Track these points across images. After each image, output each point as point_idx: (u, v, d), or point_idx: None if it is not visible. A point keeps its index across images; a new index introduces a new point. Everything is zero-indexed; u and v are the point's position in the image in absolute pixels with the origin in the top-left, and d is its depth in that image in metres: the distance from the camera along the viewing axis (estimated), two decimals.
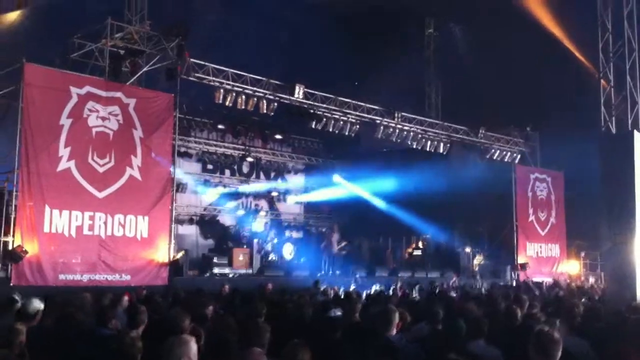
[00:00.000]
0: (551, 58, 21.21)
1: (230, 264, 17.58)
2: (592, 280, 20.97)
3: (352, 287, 14.12)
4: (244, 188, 23.92)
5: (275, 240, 20.37)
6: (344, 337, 5.70)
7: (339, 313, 7.04)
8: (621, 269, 10.78)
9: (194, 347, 4.23)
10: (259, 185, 24.42)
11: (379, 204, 23.98)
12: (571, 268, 23.46)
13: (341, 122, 19.20)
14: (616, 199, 10.96)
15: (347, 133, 19.46)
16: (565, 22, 20.90)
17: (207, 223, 22.36)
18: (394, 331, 5.67)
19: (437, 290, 13.82)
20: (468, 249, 22.48)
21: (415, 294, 13.00)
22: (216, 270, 17.08)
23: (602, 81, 13.66)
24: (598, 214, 12.01)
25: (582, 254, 23.31)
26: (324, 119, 18.78)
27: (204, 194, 22.65)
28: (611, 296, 10.12)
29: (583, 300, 10.05)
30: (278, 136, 24.50)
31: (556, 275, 21.86)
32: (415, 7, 23.47)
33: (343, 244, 19.91)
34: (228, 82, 16.63)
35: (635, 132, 11.98)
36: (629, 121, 12.86)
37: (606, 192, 11.27)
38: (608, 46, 13.49)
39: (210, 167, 23.26)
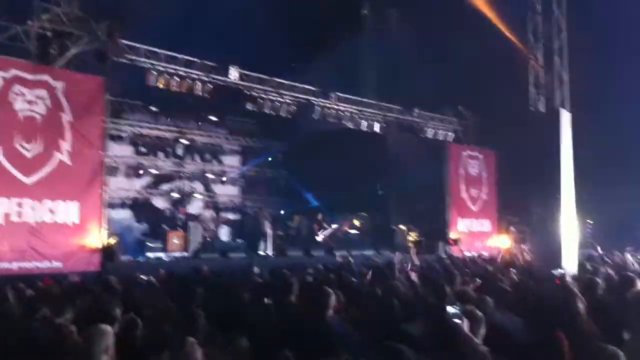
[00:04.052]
0: (483, 39, 21.54)
1: (165, 248, 17.34)
2: (521, 253, 21.57)
3: None
4: (179, 170, 23.58)
5: (212, 222, 20.19)
6: (278, 321, 5.68)
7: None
8: (547, 243, 11.13)
9: (111, 338, 4.22)
10: (194, 168, 24.10)
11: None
12: (502, 242, 24.11)
13: (277, 104, 19.12)
14: (543, 175, 11.29)
15: (283, 114, 19.39)
16: (496, 4, 21.25)
17: (141, 207, 21.94)
18: (331, 313, 5.65)
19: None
20: (403, 226, 22.82)
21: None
22: (150, 254, 16.84)
23: (531, 62, 14.01)
24: (527, 190, 12.34)
25: (512, 229, 24.00)
26: (260, 101, 18.65)
27: (136, 178, 22.21)
28: (538, 270, 10.41)
29: (513, 273, 10.35)
30: (213, 118, 24.17)
31: (487, 249, 22.43)
32: None
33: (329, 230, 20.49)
34: (160, 63, 16.32)
35: (562, 110, 12.34)
36: (557, 100, 13.23)
37: (534, 169, 11.60)
38: (537, 28, 13.82)
39: (143, 150, 22.81)
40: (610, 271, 9.48)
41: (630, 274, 6.97)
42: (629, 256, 13.04)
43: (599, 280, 7.49)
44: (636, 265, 11.86)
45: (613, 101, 19.72)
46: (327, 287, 6.05)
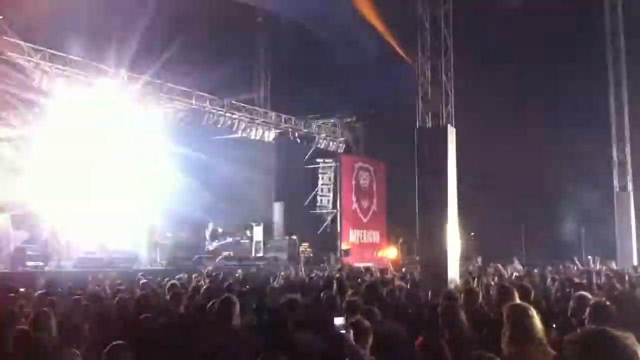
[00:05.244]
0: (376, 52, 22.13)
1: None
2: (408, 264, 22.20)
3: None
4: None
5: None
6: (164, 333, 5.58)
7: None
8: (433, 255, 11.51)
9: None
10: None
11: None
12: (390, 253, 24.72)
13: (168, 109, 18.80)
14: (430, 190, 11.70)
15: (175, 120, 19.09)
16: (389, 19, 21.90)
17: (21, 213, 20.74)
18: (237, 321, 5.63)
19: None
20: (295, 237, 22.92)
21: None
22: (30, 263, 16.03)
23: (419, 77, 14.46)
24: (415, 203, 12.71)
25: (400, 240, 24.67)
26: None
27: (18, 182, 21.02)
28: (424, 283, 10.75)
29: (400, 283, 10.63)
30: None
31: (377, 260, 22.91)
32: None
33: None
34: (45, 62, 15.67)
35: (449, 126, 12.82)
36: (444, 116, 13.69)
37: (421, 184, 11.99)
38: (426, 44, 14.27)
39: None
40: (491, 282, 9.94)
41: (508, 286, 7.32)
42: (516, 265, 13.76)
43: (479, 290, 7.84)
44: (517, 272, 12.51)
45: (495, 118, 20.77)
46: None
